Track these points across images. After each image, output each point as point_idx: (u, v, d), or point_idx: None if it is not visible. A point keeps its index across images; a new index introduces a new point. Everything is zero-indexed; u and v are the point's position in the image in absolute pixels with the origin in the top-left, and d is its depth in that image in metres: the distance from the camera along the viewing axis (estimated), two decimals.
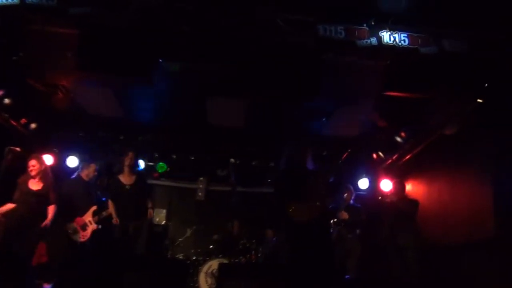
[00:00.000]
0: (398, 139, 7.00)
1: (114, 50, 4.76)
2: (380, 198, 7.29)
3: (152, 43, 4.78)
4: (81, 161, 7.59)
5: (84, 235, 6.38)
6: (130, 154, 6.44)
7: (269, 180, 9.21)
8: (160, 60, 4.98)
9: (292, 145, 5.23)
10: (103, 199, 6.75)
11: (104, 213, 6.46)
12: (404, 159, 7.65)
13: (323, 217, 4.96)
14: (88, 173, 6.75)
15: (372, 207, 7.61)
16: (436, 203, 6.78)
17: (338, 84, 5.35)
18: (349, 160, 8.43)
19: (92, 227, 6.44)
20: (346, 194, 7.02)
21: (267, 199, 8.92)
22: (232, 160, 7.85)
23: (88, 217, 6.46)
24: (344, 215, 6.77)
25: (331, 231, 6.72)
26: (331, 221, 6.76)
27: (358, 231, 6.96)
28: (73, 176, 6.81)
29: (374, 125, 6.83)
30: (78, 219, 6.41)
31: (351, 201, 7.12)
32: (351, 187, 7.27)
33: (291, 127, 7.09)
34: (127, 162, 6.38)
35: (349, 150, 8.25)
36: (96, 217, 6.48)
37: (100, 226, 6.47)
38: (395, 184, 7.10)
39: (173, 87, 5.93)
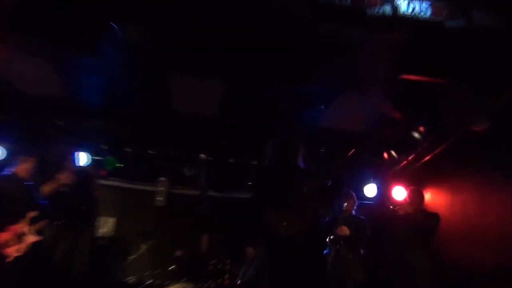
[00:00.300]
0: (416, 135, 7.09)
1: (53, 10, 4.73)
2: (391, 209, 7.40)
3: (104, 3, 4.77)
4: (10, 153, 7.55)
5: (19, 249, 6.31)
6: (71, 155, 6.46)
7: (250, 183, 9.24)
8: (114, 26, 4.96)
9: (280, 137, 5.26)
10: (44, 202, 6.72)
11: (45, 221, 6.48)
12: (422, 161, 7.78)
13: (315, 231, 5.02)
14: (26, 168, 6.70)
15: (380, 220, 7.71)
16: (460, 218, 6.93)
17: (341, 63, 5.40)
18: (353, 160, 8.49)
19: (30, 238, 6.39)
20: (346, 203, 7.10)
21: (246, 207, 8.98)
22: (202, 156, 7.86)
23: (25, 226, 6.40)
24: (344, 230, 6.83)
25: (327, 250, 6.78)
26: (327, 239, 6.83)
27: (361, 250, 7.05)
28: (5, 173, 6.75)
29: (385, 117, 6.88)
30: (13, 227, 6.33)
31: (353, 212, 7.23)
32: (354, 194, 7.37)
33: (280, 116, 7.12)
34: (68, 165, 6.41)
35: (353, 148, 8.31)
36: (36, 226, 6.46)
37: (41, 237, 6.46)
38: (411, 193, 7.24)
39: (129, 61, 5.91)
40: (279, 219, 4.73)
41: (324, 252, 6.79)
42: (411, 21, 4.67)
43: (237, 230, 8.49)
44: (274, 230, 4.71)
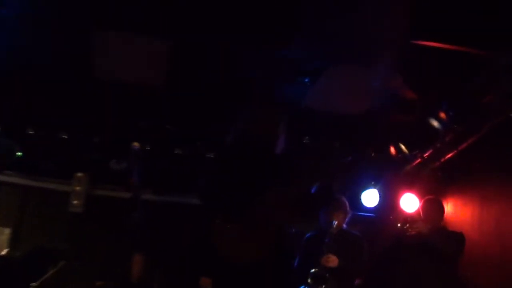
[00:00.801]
0: (435, 123, 7.11)
1: None
2: (398, 225, 7.46)
3: None
4: None
5: None
6: None
7: (202, 184, 9.21)
8: None
9: (253, 109, 5.20)
10: None
11: None
12: (443, 159, 7.81)
13: (284, 256, 4.99)
14: None
15: (382, 240, 7.78)
16: (494, 238, 6.99)
17: (334, 20, 5.39)
18: (347, 155, 8.58)
19: None
20: (335, 221, 7.11)
21: (197, 216, 8.98)
22: (135, 144, 7.84)
23: None
24: (332, 260, 6.78)
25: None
26: (309, 277, 6.74)
27: (356, 281, 7.14)
28: None
29: (394, 98, 6.92)
30: None
31: (344, 226, 7.28)
32: (347, 203, 7.44)
33: (247, 91, 7.10)
34: None
35: (348, 139, 8.36)
36: None
37: None
38: (426, 203, 7.33)
39: (38, 12, 5.84)
40: (234, 236, 4.65)
41: None
42: None
43: (184, 249, 8.48)
44: (226, 254, 4.63)
